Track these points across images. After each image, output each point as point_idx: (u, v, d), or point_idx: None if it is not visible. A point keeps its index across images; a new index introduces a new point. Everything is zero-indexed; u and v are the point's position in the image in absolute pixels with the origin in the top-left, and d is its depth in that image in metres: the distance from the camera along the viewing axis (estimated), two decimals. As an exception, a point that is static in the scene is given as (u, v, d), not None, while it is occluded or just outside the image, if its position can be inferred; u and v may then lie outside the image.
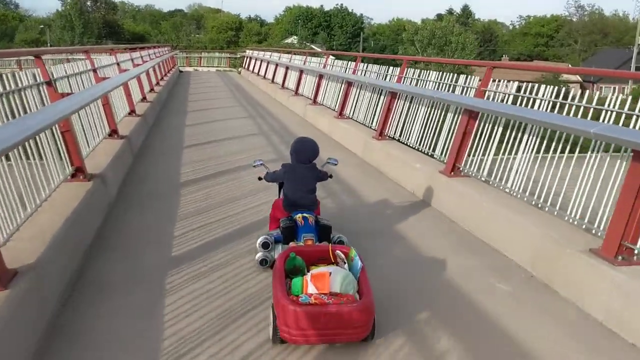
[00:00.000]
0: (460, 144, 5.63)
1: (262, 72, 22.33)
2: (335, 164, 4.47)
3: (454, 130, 6.02)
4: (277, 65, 18.68)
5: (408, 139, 7.24)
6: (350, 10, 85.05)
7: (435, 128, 6.58)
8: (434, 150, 6.54)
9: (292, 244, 3.70)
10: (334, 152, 7.12)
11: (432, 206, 5.63)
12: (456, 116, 6.14)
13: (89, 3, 74.96)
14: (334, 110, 10.87)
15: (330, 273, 3.04)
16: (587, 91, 4.41)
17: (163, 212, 5.25)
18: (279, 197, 4.36)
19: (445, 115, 6.43)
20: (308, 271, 3.19)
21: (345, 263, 3.25)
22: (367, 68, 9.76)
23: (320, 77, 12.19)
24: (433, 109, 6.77)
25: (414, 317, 3.35)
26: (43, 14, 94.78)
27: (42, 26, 74.19)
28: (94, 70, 7.21)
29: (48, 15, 77.96)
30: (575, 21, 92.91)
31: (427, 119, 6.82)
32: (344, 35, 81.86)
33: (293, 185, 3.99)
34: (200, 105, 14.29)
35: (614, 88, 57.24)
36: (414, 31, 55.32)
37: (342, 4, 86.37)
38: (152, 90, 13.64)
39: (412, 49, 56.25)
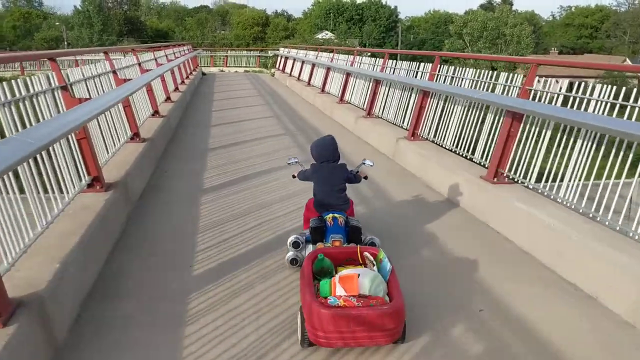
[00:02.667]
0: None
1: (304, 77, 17.70)
2: (372, 166, 4.37)
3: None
4: (328, 69, 14.02)
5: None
6: (384, 3, 79.83)
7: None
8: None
9: (319, 244, 3.65)
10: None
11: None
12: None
13: (109, -1, 71.44)
14: (458, 153, 6.31)
15: (359, 275, 3.00)
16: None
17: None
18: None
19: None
20: (336, 273, 3.16)
21: (374, 265, 3.20)
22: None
23: (425, 94, 7.45)
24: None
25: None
26: (68, 11, 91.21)
27: (57, 23, 70.62)
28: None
29: (72, 13, 74.41)
30: (623, 11, 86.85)
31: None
32: (378, 29, 76.79)
33: (321, 185, 3.95)
34: (227, 138, 9.62)
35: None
36: (463, 23, 49.55)
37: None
38: (155, 113, 9.07)
39: (459, 43, 50.75)
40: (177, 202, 5.59)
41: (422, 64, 8.16)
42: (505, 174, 5.31)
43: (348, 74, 11.79)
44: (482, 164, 5.90)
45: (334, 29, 72.60)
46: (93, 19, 65.84)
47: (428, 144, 7.21)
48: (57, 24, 70.87)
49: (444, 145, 6.89)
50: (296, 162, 4.35)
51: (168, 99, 11.21)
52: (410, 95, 8.18)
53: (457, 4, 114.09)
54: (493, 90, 6.06)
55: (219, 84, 20.65)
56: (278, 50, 28.39)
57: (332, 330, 2.78)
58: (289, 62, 22.02)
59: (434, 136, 7.15)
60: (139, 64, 9.00)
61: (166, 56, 13.47)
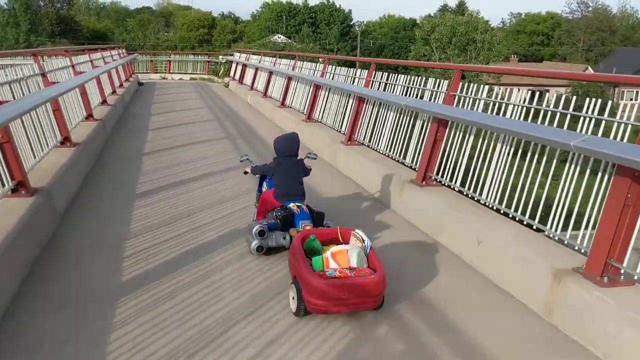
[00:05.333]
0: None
1: (274, 93, 13.29)
2: (315, 158, 4.84)
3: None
4: (317, 87, 9.67)
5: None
6: (338, 6, 75.90)
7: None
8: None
9: (292, 230, 3.95)
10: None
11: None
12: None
13: (40, -4, 64.79)
14: None
15: (348, 250, 3.38)
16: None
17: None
18: (261, 190, 4.66)
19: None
20: (323, 251, 3.46)
21: (363, 242, 3.47)
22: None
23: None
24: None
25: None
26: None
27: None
28: None
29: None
30: (575, 18, 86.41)
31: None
32: (332, 33, 72.70)
33: (284, 177, 4.28)
34: (170, 236, 5.15)
35: (637, 92, 53.25)
36: (430, 28, 45.72)
37: (328, -1, 76.77)
38: (20, 187, 4.47)
39: (425, 49, 46.89)
40: None
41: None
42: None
43: (361, 100, 7.47)
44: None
45: (293, 33, 68.15)
46: (20, 17, 59.10)
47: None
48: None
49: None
50: (247, 159, 4.83)
51: (66, 140, 6.62)
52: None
53: (411, 9, 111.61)
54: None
55: (159, 99, 15.94)
56: (232, 55, 23.80)
57: (331, 298, 3.10)
58: (249, 72, 17.54)
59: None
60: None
61: (72, 67, 8.81)
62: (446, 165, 5.17)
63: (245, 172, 4.63)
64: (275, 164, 4.31)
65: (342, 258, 3.32)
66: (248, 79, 17.38)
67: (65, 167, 5.62)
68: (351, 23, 77.70)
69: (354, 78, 8.35)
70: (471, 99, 4.96)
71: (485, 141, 4.70)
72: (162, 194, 5.85)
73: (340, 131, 8.31)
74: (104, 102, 10.93)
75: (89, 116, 8.81)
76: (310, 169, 4.52)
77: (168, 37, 76.45)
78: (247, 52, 20.04)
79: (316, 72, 10.31)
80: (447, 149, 5.20)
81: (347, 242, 3.58)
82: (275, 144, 4.37)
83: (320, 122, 9.31)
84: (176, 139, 9.33)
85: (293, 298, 3.27)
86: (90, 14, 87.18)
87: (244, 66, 18.57)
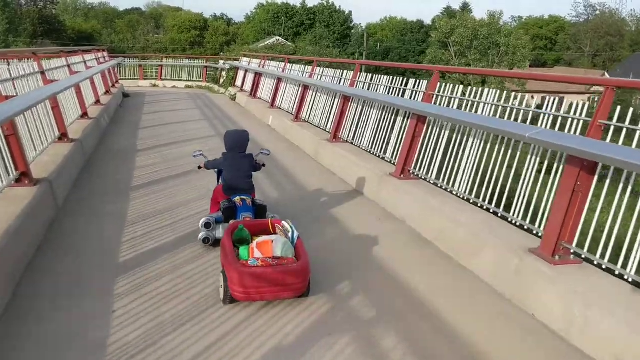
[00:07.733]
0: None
1: (312, 117, 9.37)
2: (268, 154, 4.87)
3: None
4: (418, 120, 5.72)
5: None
6: (338, 7, 71.87)
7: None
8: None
9: (232, 222, 3.96)
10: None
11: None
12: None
13: (21, -5, 60.53)
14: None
15: (273, 241, 3.49)
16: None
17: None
18: (218, 184, 4.65)
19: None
20: (252, 241, 3.58)
21: (289, 232, 3.62)
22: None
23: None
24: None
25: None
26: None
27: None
28: None
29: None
30: (581, 22, 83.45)
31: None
32: (332, 35, 68.66)
33: (232, 172, 4.34)
34: None
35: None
36: (449, 31, 41.70)
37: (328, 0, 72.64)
38: None
39: (442, 53, 42.88)
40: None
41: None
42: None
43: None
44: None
45: (291, 35, 64.19)
46: (-3, 16, 54.78)
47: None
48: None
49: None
50: (200, 154, 4.75)
51: None
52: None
53: (412, 11, 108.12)
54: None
55: (150, 119, 11.91)
56: (237, 60, 19.80)
57: (253, 286, 3.19)
58: (266, 82, 13.59)
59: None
60: None
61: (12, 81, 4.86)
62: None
63: (199, 167, 4.70)
64: (223, 159, 4.41)
65: (266, 248, 3.44)
66: (265, 93, 13.43)
67: None
68: (351, 25, 73.84)
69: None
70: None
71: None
72: None
73: (476, 203, 4.68)
74: (63, 136, 6.94)
75: (23, 175, 4.83)
76: (264, 165, 4.62)
77: (158, 39, 72.79)
78: (261, 57, 15.93)
79: (406, 92, 6.41)
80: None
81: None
82: (225, 138, 4.44)
83: (439, 186, 5.49)
84: (179, 211, 5.34)
85: (221, 286, 3.36)
86: (77, 14, 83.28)
87: (258, 75, 14.58)
